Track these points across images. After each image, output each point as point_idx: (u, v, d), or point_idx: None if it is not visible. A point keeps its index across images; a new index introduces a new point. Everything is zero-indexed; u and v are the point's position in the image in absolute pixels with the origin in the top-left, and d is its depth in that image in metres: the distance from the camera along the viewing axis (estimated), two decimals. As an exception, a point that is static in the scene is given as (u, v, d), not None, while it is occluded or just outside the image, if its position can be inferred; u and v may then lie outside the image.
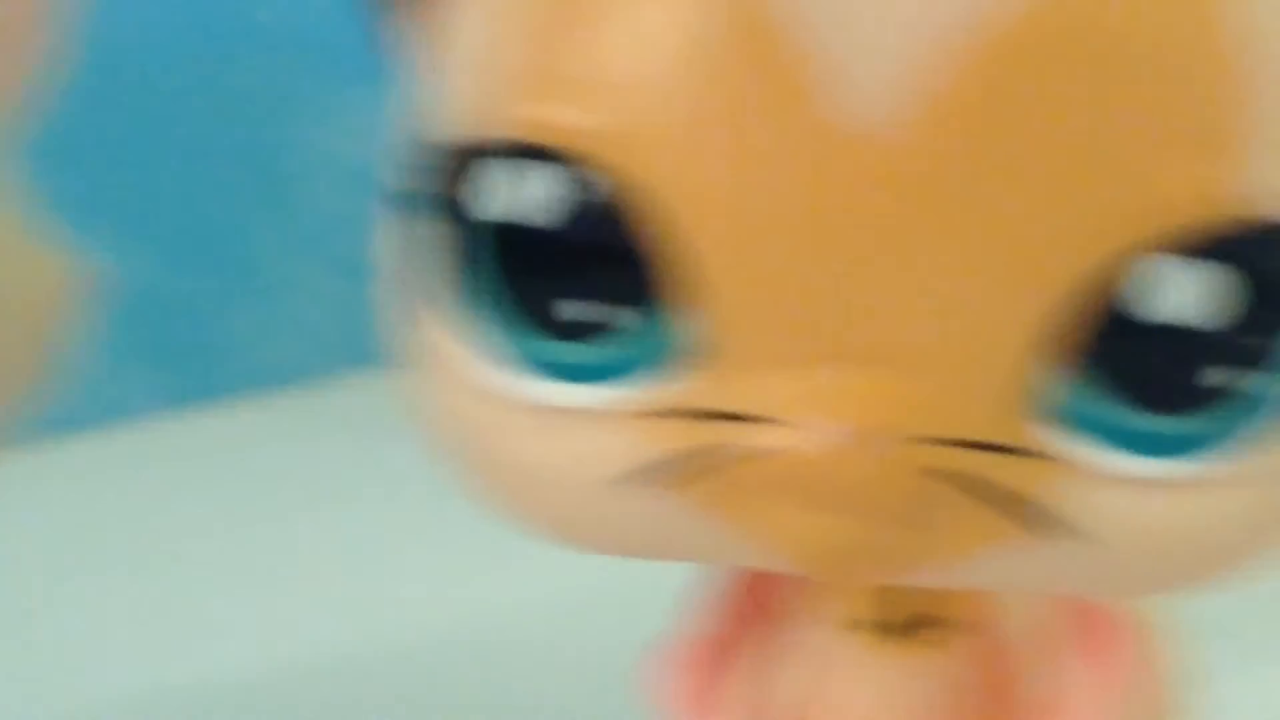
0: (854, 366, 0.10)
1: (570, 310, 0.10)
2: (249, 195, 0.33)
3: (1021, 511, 0.10)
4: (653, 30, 0.10)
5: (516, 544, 0.12)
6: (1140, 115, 0.09)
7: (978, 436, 0.10)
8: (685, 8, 0.09)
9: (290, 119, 0.33)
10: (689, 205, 0.10)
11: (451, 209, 0.10)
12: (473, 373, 0.11)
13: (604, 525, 0.11)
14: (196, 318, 0.33)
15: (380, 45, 0.12)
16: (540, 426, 0.11)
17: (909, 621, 0.12)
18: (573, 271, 0.10)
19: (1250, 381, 0.10)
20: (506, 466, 0.11)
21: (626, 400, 0.10)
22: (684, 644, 0.13)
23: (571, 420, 0.10)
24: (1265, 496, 0.10)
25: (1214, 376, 0.10)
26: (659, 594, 0.13)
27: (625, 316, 0.10)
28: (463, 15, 0.11)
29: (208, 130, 0.29)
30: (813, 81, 0.09)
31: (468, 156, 0.10)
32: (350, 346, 0.32)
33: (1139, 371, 0.09)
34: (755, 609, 0.13)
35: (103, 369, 0.31)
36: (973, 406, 0.10)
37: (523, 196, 0.10)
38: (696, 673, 0.13)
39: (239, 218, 0.33)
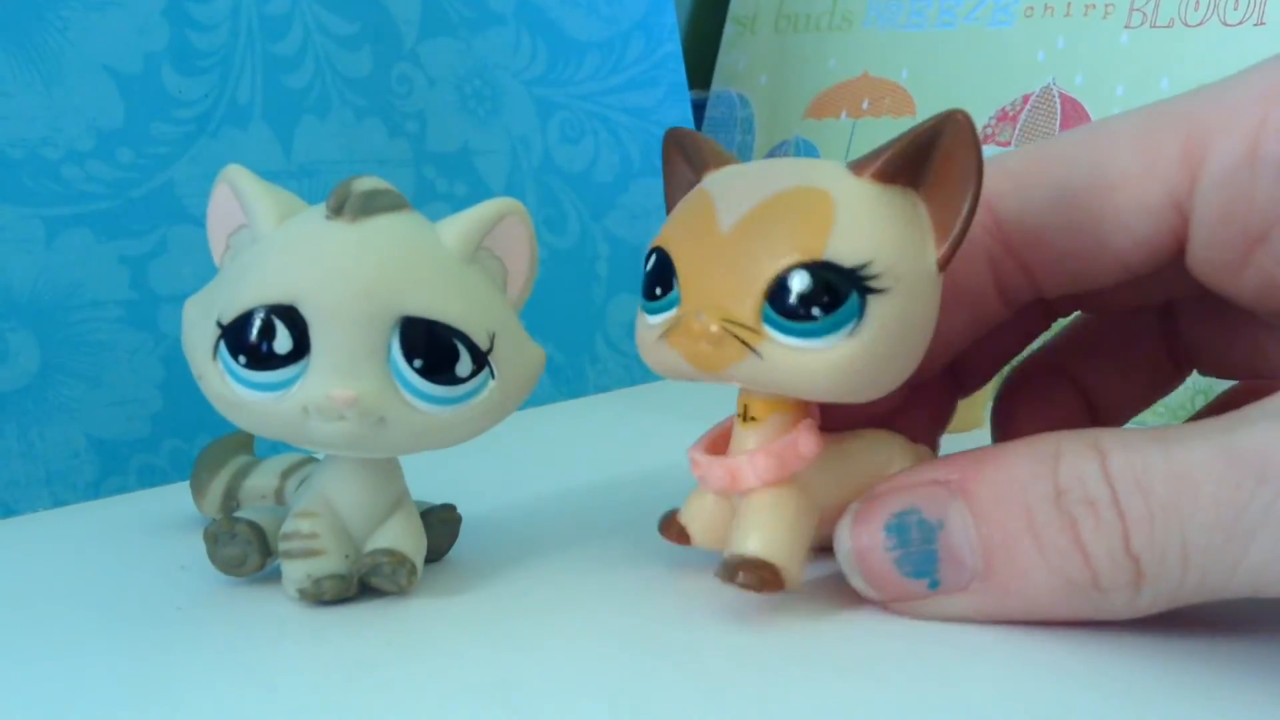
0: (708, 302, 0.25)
1: (656, 291, 0.26)
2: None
3: (748, 347, 0.24)
4: (680, 211, 0.27)
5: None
6: (793, 224, 0.24)
7: (741, 321, 0.24)
8: (691, 203, 0.26)
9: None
10: (678, 255, 0.25)
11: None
12: (643, 318, 0.26)
13: (654, 357, 0.26)
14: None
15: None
16: (646, 329, 0.26)
17: (749, 414, 0.26)
18: (651, 281, 0.26)
19: (831, 312, 0.24)
20: (640, 344, 0.27)
21: (663, 317, 0.26)
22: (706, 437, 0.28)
23: (652, 326, 0.26)
24: (852, 358, 0.24)
25: (821, 308, 0.24)
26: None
27: (668, 291, 0.26)
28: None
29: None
30: (715, 218, 0.25)
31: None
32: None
33: (797, 304, 0.24)
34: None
35: None
36: (739, 312, 0.24)
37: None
38: (703, 441, 0.28)
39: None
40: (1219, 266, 0.26)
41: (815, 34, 0.57)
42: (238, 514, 0.28)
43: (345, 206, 0.25)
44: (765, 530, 0.25)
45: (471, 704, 0.23)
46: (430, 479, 0.29)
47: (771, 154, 0.57)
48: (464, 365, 0.26)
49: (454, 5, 0.47)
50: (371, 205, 0.25)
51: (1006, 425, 0.32)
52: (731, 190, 0.25)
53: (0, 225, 0.35)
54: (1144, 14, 0.46)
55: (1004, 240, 0.27)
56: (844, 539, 0.26)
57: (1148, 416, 0.42)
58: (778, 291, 0.24)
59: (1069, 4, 0.48)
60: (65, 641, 0.25)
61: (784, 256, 0.24)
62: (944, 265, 0.25)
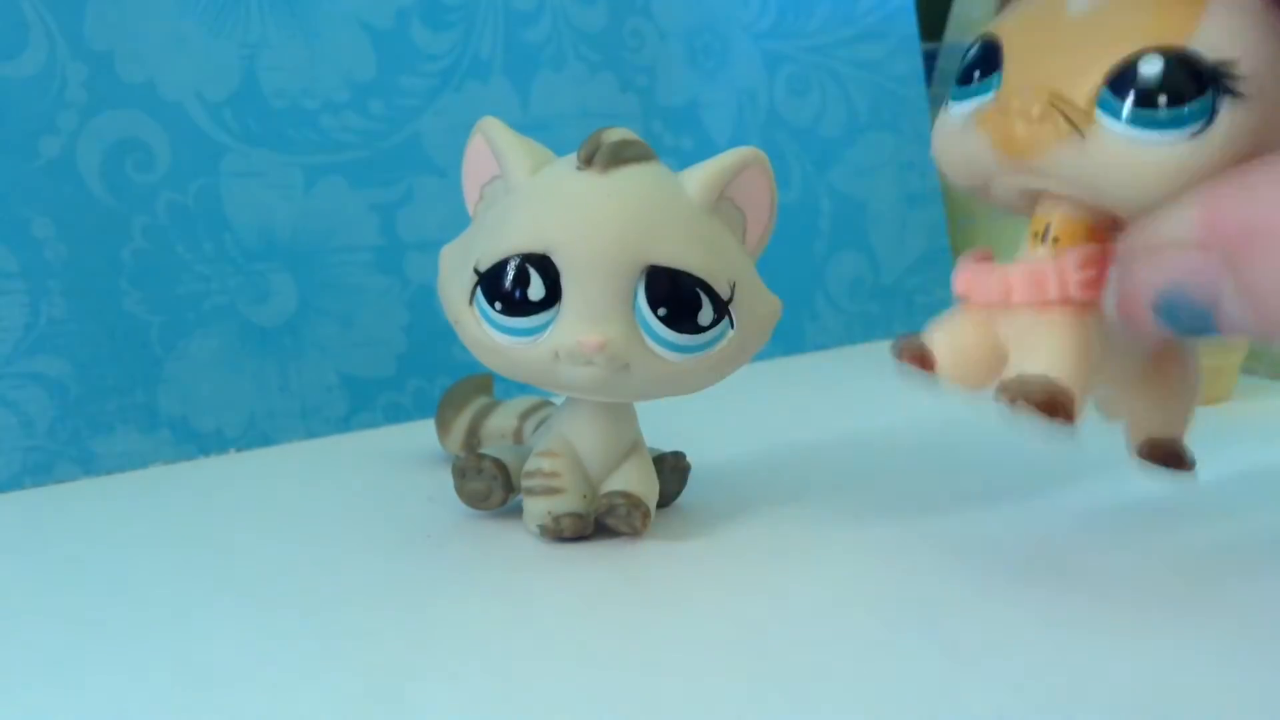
0: None
1: (974, 75, 0.24)
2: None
3: (1074, 127, 0.22)
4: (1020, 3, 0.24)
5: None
6: (1158, 7, 0.21)
7: (1072, 100, 0.22)
8: None
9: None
10: (1010, 41, 0.23)
11: None
12: (946, 112, 0.25)
13: (954, 149, 0.25)
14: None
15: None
16: (948, 119, 0.25)
17: (1049, 234, 0.23)
18: None
19: (1180, 105, 0.21)
20: (938, 136, 0.25)
21: (975, 102, 0.24)
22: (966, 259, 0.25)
23: (958, 115, 0.24)
24: (1189, 162, 0.21)
25: (1170, 98, 0.21)
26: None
27: (988, 74, 0.24)
28: None
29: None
30: (1065, 4, 0.23)
31: None
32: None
33: (1143, 90, 0.21)
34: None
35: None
36: (1071, 91, 0.22)
37: None
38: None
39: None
40: None
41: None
42: (483, 451, 0.30)
43: (596, 157, 0.26)
44: (1057, 351, 0.23)
45: (698, 641, 0.23)
46: (653, 427, 0.30)
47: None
48: (705, 314, 0.26)
49: (686, -42, 0.47)
50: (621, 156, 0.26)
51: None
52: None
53: (264, 170, 0.38)
54: None
55: None
56: (1110, 307, 0.22)
57: None
58: (1123, 74, 0.21)
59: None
60: (331, 559, 0.27)
61: (1140, 39, 0.21)
62: None
